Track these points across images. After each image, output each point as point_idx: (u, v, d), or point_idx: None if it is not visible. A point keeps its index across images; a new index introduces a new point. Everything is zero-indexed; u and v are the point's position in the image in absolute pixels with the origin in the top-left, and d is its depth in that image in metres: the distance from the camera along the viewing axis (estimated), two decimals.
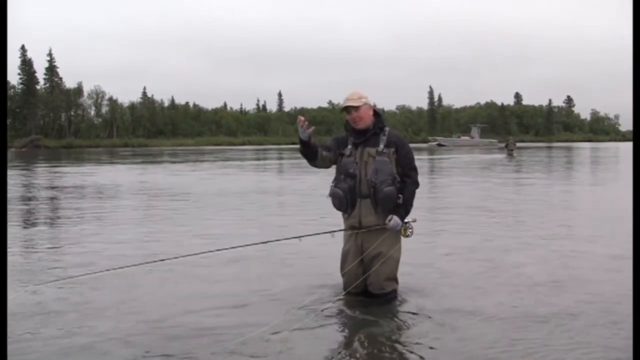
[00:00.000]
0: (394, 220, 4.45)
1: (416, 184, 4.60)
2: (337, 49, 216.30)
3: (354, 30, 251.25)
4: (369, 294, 4.61)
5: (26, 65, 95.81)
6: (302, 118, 4.44)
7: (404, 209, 4.52)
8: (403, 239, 4.64)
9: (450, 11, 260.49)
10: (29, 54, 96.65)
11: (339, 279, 4.81)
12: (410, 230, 4.61)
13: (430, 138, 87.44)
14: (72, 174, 22.61)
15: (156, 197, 13.55)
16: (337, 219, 4.81)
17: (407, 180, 4.54)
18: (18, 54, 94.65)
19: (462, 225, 8.66)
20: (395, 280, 4.67)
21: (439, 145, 76.93)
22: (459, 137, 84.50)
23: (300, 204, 11.56)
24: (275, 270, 5.78)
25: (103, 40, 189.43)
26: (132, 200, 12.77)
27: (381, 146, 4.52)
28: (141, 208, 11.62)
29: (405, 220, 4.56)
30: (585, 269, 5.84)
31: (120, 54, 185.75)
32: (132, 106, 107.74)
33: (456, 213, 10.14)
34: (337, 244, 4.79)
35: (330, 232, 4.74)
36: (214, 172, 24.24)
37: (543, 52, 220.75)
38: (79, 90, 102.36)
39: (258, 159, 39.10)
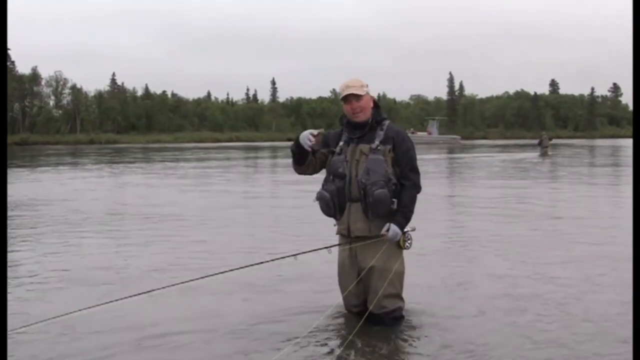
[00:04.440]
0: (393, 229, 4.47)
1: (417, 188, 4.60)
2: (337, 30, 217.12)
3: (356, 7, 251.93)
4: (371, 314, 4.64)
5: None
6: (319, 133, 4.57)
7: (403, 216, 4.52)
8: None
9: None
10: None
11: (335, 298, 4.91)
12: (409, 242, 4.63)
13: None
14: None
15: None
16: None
17: (405, 183, 4.54)
18: None
19: (493, 247, 8.24)
20: (399, 297, 4.72)
21: None
22: (413, 132, 79.49)
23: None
24: (261, 296, 5.73)
25: (63, 18, 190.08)
26: None
27: (376, 142, 4.55)
28: None
29: (404, 229, 4.56)
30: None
31: (81, 34, 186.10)
32: (100, 95, 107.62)
33: (485, 231, 9.57)
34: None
35: (327, 247, 4.75)
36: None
37: (583, 31, 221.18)
38: (35, 77, 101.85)
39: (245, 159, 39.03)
